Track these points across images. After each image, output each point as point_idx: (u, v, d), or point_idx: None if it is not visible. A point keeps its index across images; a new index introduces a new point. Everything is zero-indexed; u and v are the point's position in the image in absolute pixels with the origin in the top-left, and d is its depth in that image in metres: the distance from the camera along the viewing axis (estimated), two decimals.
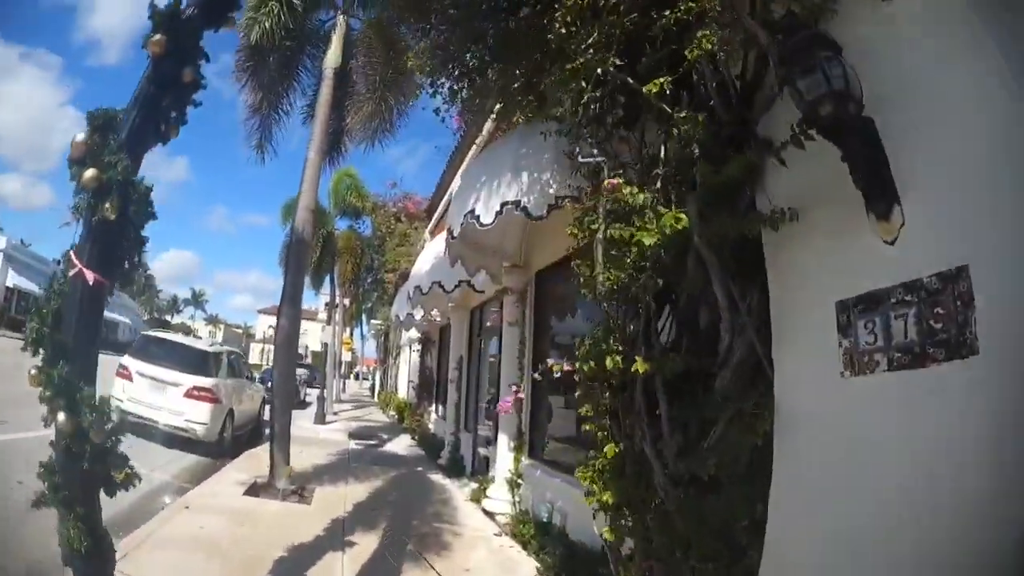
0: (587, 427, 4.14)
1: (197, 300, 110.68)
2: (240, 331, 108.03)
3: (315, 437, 16.67)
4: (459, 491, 10.78)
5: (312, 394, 26.42)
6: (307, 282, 28.31)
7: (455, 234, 7.18)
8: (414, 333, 22.01)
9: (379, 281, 28.05)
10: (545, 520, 7.56)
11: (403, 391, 26.71)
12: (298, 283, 9.90)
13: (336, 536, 7.08)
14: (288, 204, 27.26)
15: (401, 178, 58.29)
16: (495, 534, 8.14)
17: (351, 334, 53.97)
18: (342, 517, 7.99)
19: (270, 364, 57.55)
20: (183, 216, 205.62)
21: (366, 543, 6.94)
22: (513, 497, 8.81)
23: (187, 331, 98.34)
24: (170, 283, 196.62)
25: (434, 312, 14.76)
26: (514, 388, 9.16)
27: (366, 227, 28.63)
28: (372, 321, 39.21)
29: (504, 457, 9.14)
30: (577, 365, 3.88)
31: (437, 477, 12.17)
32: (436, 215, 20.40)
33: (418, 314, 14.50)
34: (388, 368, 33.90)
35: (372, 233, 28.20)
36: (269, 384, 27.22)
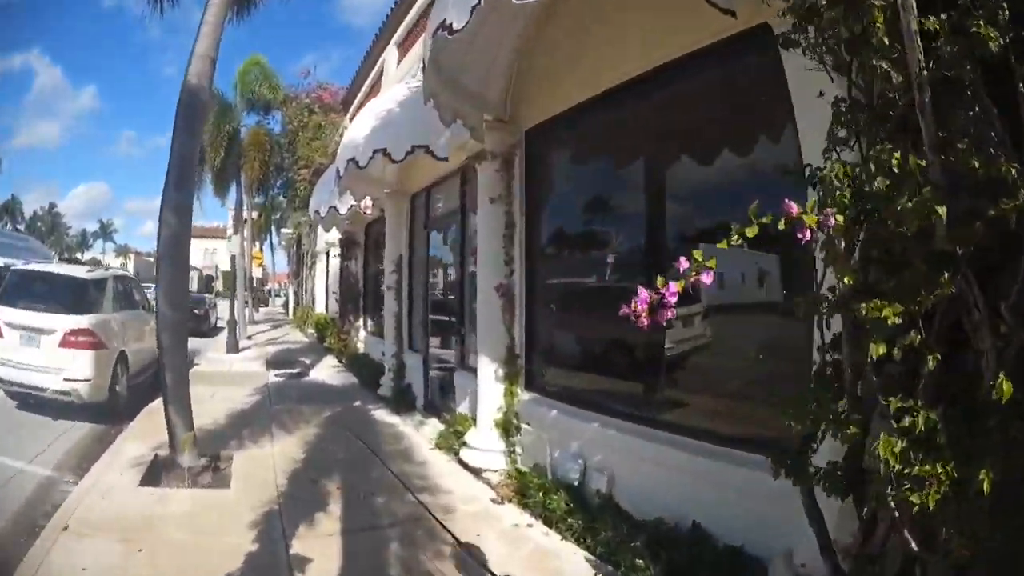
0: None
1: (106, 231, 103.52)
2: (152, 259, 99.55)
3: (228, 371, 13.80)
4: (417, 434, 8.27)
5: (224, 317, 23.47)
6: (210, 190, 24.65)
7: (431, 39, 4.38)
8: (333, 236, 18.86)
9: (289, 182, 24.39)
10: (575, 482, 5.18)
11: (321, 305, 23.58)
12: (188, 158, 6.49)
13: (275, 545, 4.48)
14: None
15: (315, 67, 52.13)
16: (493, 501, 5.65)
17: (260, 248, 50.22)
18: (276, 506, 5.30)
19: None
20: (93, 147, 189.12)
21: (321, 552, 4.36)
22: (508, 446, 6.35)
23: (96, 264, 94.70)
24: (83, 218, 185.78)
25: (365, 202, 11.80)
26: (499, 288, 6.49)
27: (276, 123, 24.88)
28: (283, 230, 35.47)
29: (490, 390, 6.57)
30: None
31: (382, 414, 9.55)
32: (358, 98, 17.21)
33: (344, 205, 11.47)
34: (302, 281, 30.51)
35: (282, 129, 24.42)
36: None
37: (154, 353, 12.45)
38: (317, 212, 12.21)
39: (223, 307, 17.65)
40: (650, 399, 5.04)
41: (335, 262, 19.22)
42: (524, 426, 6.23)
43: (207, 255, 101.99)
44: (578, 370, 6.34)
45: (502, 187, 6.65)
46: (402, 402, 9.88)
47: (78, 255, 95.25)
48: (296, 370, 14.02)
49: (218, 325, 25.64)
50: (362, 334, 15.03)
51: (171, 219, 6.06)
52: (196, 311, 23.68)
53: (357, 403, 10.43)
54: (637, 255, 5.46)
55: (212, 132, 22.19)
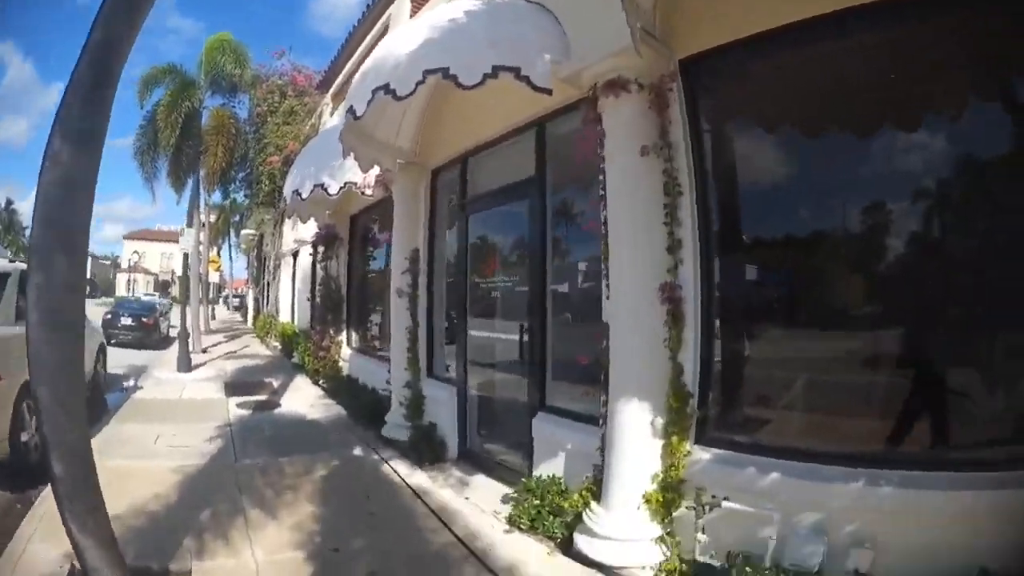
0: None
1: None
2: (108, 262, 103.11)
3: (177, 399, 10.74)
4: (468, 504, 5.64)
5: (175, 326, 20.46)
6: (164, 181, 21.43)
7: None
8: (305, 232, 15.98)
9: (253, 176, 21.23)
10: (813, 568, 3.42)
11: (287, 314, 20.45)
12: (117, 47, 3.27)
13: None
14: (147, 75, 20.12)
15: (290, 47, 46.83)
16: None
17: (219, 252, 46.60)
18: None
19: (133, 295, 49.06)
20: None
21: None
22: (664, 529, 4.03)
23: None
24: None
25: (367, 178, 8.98)
26: (663, 291, 3.94)
27: (243, 108, 21.68)
28: (243, 231, 32.21)
29: (636, 447, 4.14)
30: None
31: (401, 469, 6.76)
32: (345, 70, 14.72)
33: (337, 182, 8.75)
34: (264, 287, 27.29)
35: (249, 115, 21.31)
36: (123, 321, 20.75)
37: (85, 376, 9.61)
38: (296, 193, 9.26)
39: (181, 314, 14.69)
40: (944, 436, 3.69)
41: (307, 263, 16.23)
42: (707, 508, 3.70)
43: (164, 259, 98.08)
44: (808, 409, 4.22)
45: (655, 133, 4.07)
46: (425, 450, 7.07)
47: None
48: (263, 396, 11.07)
49: (170, 334, 22.46)
50: (346, 351, 12.09)
51: (65, 155, 2.93)
52: (144, 319, 20.59)
53: (357, 451, 7.57)
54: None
55: (167, 109, 19.15)
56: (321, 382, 11.99)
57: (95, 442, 6.73)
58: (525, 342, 6.13)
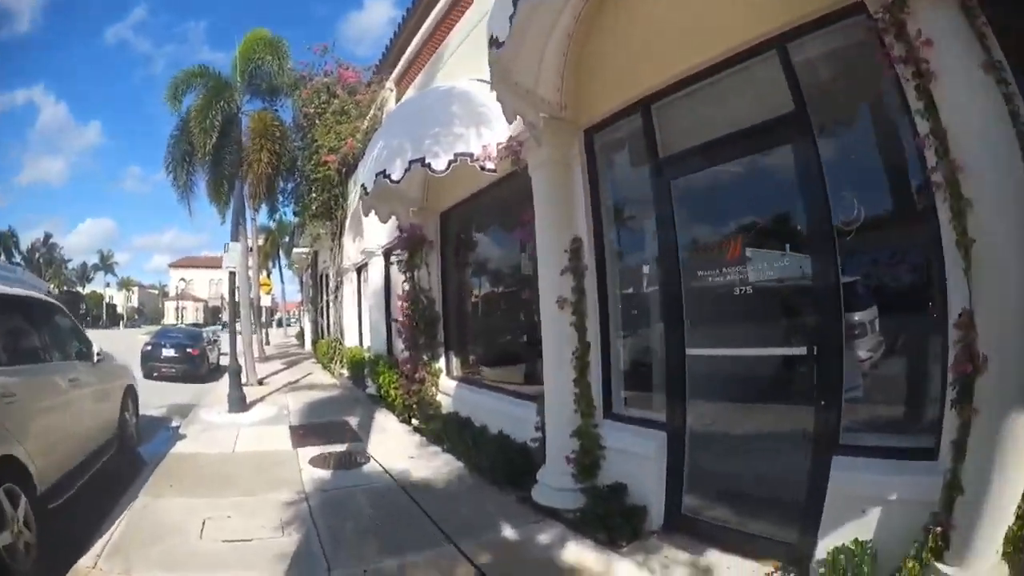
0: None
1: (106, 263, 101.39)
2: (156, 291, 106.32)
3: (232, 452, 8.41)
4: None
5: (226, 353, 18.29)
6: (203, 193, 19.21)
7: None
8: (373, 241, 13.55)
9: (305, 183, 18.88)
10: None
11: (353, 336, 17.93)
12: None
13: None
14: (176, 79, 17.94)
15: (333, 43, 43.36)
16: None
17: (268, 276, 44.81)
18: None
19: (182, 322, 47.38)
20: (98, 183, 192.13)
21: None
22: None
23: (99, 299, 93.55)
24: (89, 254, 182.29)
25: (487, 148, 6.48)
26: None
27: (286, 112, 19.36)
28: (295, 250, 30.05)
29: None
30: None
31: (588, 560, 4.36)
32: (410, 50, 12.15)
33: (444, 156, 6.28)
34: (323, 308, 24.92)
35: (294, 120, 19.00)
36: (165, 352, 18.30)
37: (95, 441, 7.11)
38: (383, 176, 6.72)
39: (230, 343, 12.28)
40: None
41: (378, 277, 13.74)
42: None
43: (212, 286, 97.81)
44: None
45: None
46: (615, 523, 4.71)
47: (78, 288, 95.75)
48: (343, 445, 8.59)
49: (221, 363, 20.69)
50: (447, 383, 9.47)
51: None
52: (189, 348, 18.30)
53: (508, 531, 5.03)
54: None
55: (200, 112, 17.00)
56: (415, 421, 9.49)
57: (115, 535, 4.92)
58: (800, 357, 4.08)
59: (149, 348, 18.69)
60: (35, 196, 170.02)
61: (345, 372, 16.84)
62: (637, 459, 4.95)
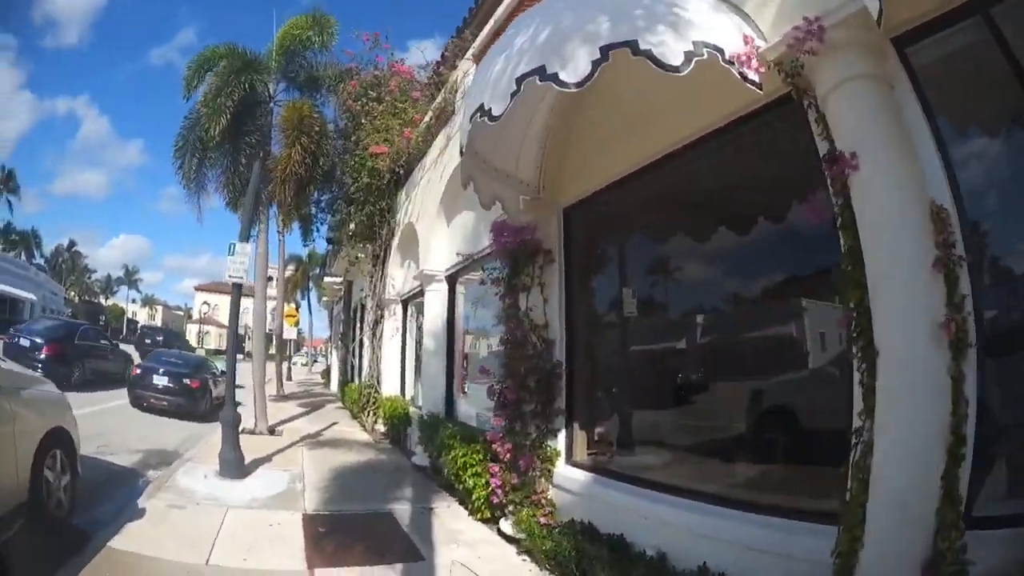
0: None
1: (130, 279, 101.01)
2: (181, 312, 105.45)
3: (199, 567, 4.88)
4: None
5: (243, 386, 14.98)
6: (214, 196, 16.02)
7: None
8: (435, 265, 10.46)
9: (346, 193, 15.58)
10: None
11: (394, 383, 14.28)
12: None
13: None
14: (197, 59, 14.85)
15: (387, 35, 37.67)
16: None
17: (297, 308, 41.75)
18: None
19: (200, 348, 44.20)
20: (136, 200, 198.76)
21: None
22: None
23: (120, 313, 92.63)
24: (119, 268, 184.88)
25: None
26: None
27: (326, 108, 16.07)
28: (326, 279, 26.80)
29: None
30: None
31: None
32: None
33: (674, 47, 3.33)
34: (355, 347, 21.38)
35: (335, 123, 15.81)
36: (156, 381, 13.03)
37: None
38: (544, 75, 3.49)
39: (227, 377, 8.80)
40: None
41: (436, 309, 10.33)
42: None
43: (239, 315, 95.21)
44: None
45: None
46: None
47: (101, 299, 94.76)
48: (396, 570, 5.05)
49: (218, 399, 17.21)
50: (566, 472, 5.91)
51: None
52: (187, 379, 14.83)
53: None
54: None
55: (215, 91, 13.81)
56: (507, 527, 6.00)
57: None
58: None
59: (139, 372, 15.55)
60: (72, 206, 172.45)
61: (381, 427, 13.31)
62: None
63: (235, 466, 8.03)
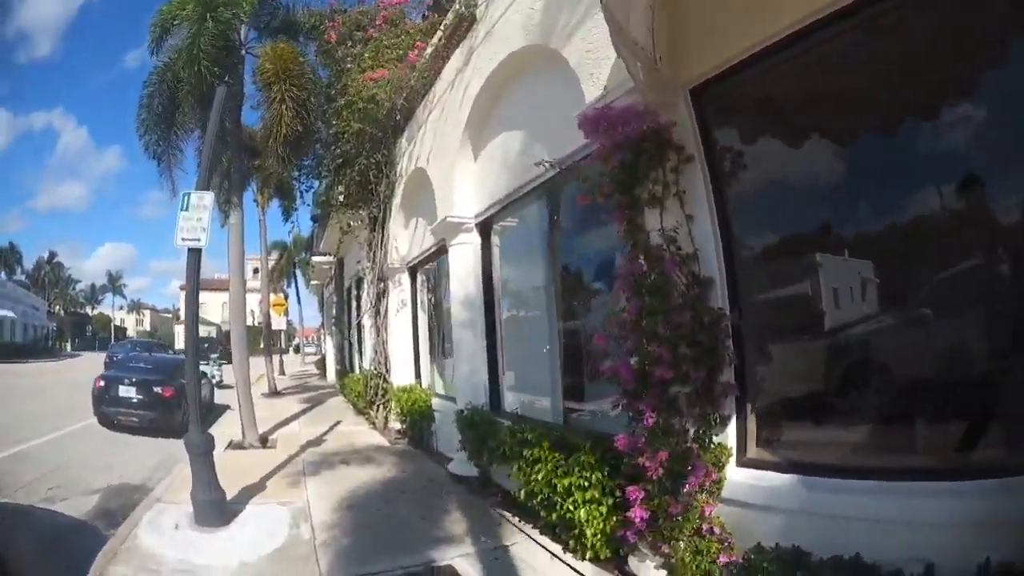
0: None
1: (114, 285, 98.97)
2: (169, 315, 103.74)
3: None
4: None
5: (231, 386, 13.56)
6: (192, 161, 13.18)
7: None
8: (461, 211, 8.08)
9: (328, 149, 13.01)
10: None
11: (407, 370, 11.78)
12: None
13: None
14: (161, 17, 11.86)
15: None
16: None
17: (285, 296, 39.12)
18: None
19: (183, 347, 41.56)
20: (118, 207, 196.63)
21: None
22: None
23: (106, 321, 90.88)
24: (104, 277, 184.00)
25: None
26: None
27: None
28: (314, 259, 24.17)
29: None
30: None
31: None
32: None
33: None
34: (353, 330, 18.73)
35: (315, 68, 13.01)
36: (123, 392, 9.66)
37: None
38: None
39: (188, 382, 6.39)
40: None
41: (466, 267, 7.90)
42: None
43: (225, 309, 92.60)
44: None
45: None
46: None
47: (88, 309, 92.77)
48: None
49: (215, 401, 15.46)
50: (753, 479, 3.64)
51: None
52: (157, 387, 12.10)
53: None
54: None
55: (190, 44, 10.64)
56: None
57: None
58: None
59: (103, 385, 12.54)
60: (55, 220, 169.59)
61: (396, 425, 10.86)
62: None
63: (214, 510, 5.59)
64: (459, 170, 8.16)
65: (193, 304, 6.08)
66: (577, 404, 5.98)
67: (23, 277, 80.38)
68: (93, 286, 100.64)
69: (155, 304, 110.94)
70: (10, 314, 51.48)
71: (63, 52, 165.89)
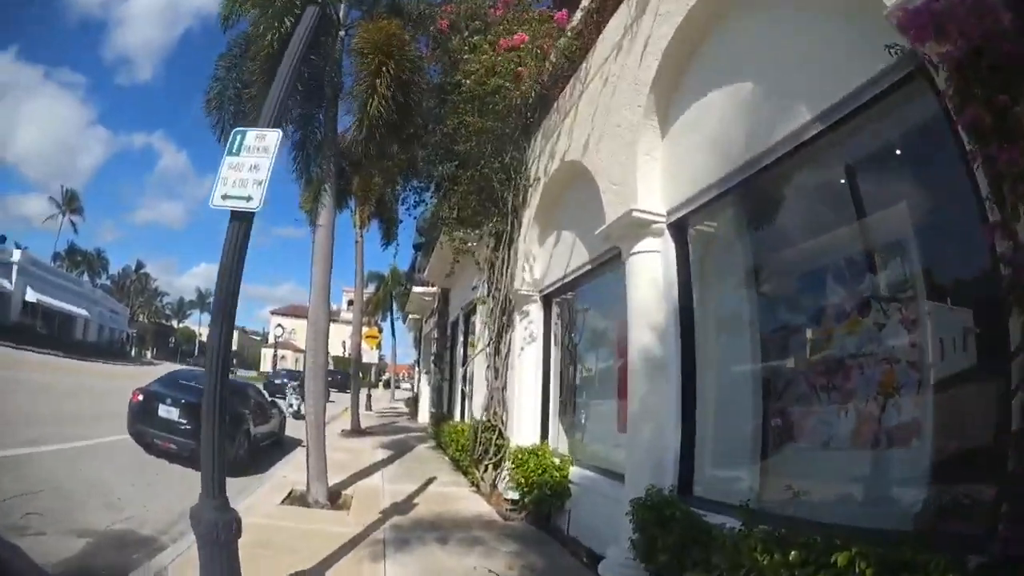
0: None
1: (203, 303, 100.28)
2: (258, 338, 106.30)
3: None
4: None
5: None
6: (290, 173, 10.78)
7: None
8: (652, 201, 5.63)
9: (446, 150, 10.85)
10: None
11: (533, 424, 9.01)
12: None
13: None
14: None
15: None
16: None
17: (379, 329, 37.79)
18: None
19: (276, 370, 40.63)
20: (220, 231, 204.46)
21: None
22: None
23: (191, 335, 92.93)
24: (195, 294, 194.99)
25: None
26: None
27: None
28: (414, 290, 22.17)
29: None
30: None
31: None
32: None
33: None
34: (456, 370, 16.16)
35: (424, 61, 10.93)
36: (165, 411, 7.66)
37: None
38: None
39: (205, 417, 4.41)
40: None
41: (655, 279, 5.38)
42: None
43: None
44: None
45: None
46: None
47: (173, 322, 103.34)
48: None
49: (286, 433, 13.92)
50: None
51: None
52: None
53: None
54: None
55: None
56: None
57: None
58: None
59: (140, 400, 10.51)
60: (151, 234, 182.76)
61: (511, 494, 8.22)
62: None
63: None
64: (642, 149, 5.77)
65: (230, 300, 3.83)
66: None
67: (107, 282, 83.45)
68: (181, 299, 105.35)
69: (245, 326, 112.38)
70: (84, 312, 52.22)
71: (164, 78, 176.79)
